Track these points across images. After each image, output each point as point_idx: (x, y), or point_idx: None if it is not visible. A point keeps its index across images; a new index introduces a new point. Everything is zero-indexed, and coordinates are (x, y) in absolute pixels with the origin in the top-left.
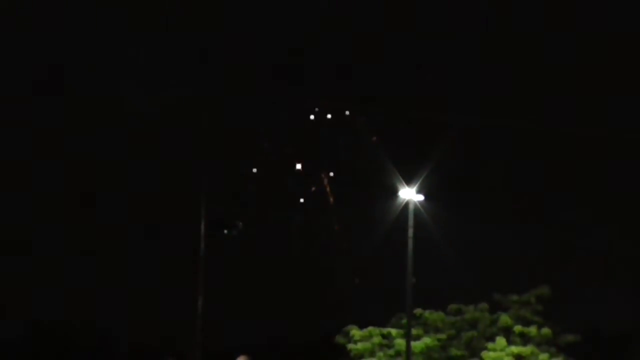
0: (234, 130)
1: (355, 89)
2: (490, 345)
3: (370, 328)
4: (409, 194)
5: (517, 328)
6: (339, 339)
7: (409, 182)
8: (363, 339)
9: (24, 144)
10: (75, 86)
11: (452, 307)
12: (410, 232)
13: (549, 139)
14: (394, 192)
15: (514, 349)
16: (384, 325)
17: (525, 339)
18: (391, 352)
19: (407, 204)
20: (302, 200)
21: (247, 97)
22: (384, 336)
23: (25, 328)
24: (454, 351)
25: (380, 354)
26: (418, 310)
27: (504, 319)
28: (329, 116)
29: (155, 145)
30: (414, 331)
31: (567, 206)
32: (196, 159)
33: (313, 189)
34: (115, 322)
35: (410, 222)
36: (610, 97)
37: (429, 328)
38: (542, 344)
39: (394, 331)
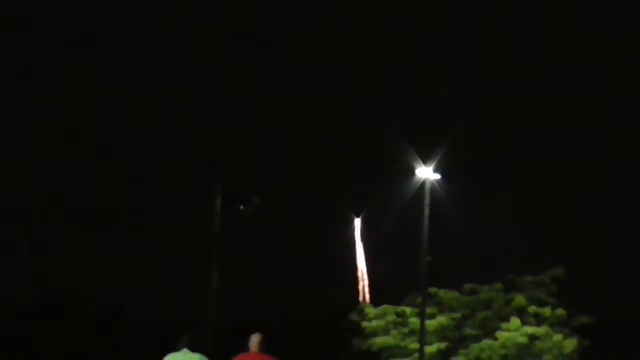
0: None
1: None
2: (504, 325)
3: (384, 306)
4: (426, 173)
5: (532, 309)
6: (354, 316)
7: (425, 160)
8: (377, 316)
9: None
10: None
11: (467, 286)
12: (426, 210)
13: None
14: (411, 171)
15: (528, 329)
16: (398, 304)
17: (539, 320)
18: (405, 330)
19: (423, 182)
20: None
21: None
22: (398, 314)
23: (39, 299)
24: (468, 330)
25: (395, 332)
26: (433, 289)
27: (519, 299)
28: None
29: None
30: (428, 310)
31: (586, 186)
32: (214, 136)
33: None
34: (130, 298)
35: (427, 200)
36: None
37: (443, 307)
38: (556, 324)
39: (408, 309)
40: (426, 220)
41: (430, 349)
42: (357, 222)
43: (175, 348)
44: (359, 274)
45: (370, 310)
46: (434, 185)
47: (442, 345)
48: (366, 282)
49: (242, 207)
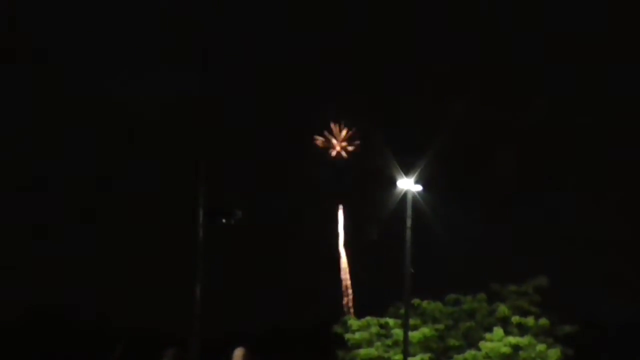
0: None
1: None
2: (488, 335)
3: (368, 318)
4: (408, 184)
5: (515, 318)
6: (337, 328)
7: (407, 172)
8: (361, 328)
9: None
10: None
11: (450, 297)
12: (409, 222)
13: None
14: (392, 182)
15: (512, 339)
16: (381, 315)
17: (522, 330)
18: (389, 341)
19: (405, 194)
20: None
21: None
22: (381, 326)
23: (25, 312)
24: (451, 341)
25: (378, 343)
26: (416, 301)
27: (502, 309)
28: None
29: (154, 134)
30: (411, 321)
31: (566, 197)
32: (195, 145)
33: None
34: (115, 309)
35: (409, 212)
36: None
37: (426, 318)
38: (539, 334)
39: (391, 321)
40: (408, 231)
41: None
42: (341, 234)
43: None
44: (343, 285)
45: (354, 322)
46: (415, 197)
47: (426, 356)
48: (350, 294)
49: (224, 220)
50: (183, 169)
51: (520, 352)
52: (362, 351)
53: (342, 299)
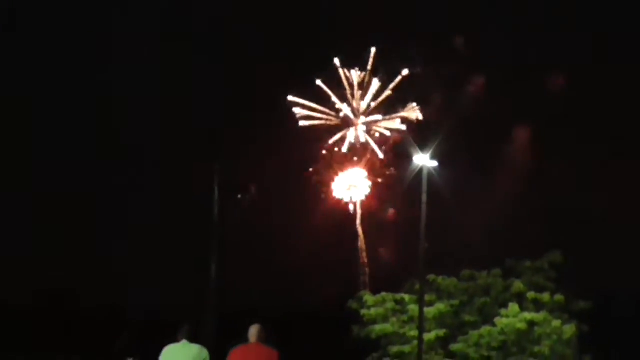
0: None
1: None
2: (503, 311)
3: (383, 293)
4: (423, 160)
5: (530, 294)
6: (353, 304)
7: (423, 148)
8: (376, 304)
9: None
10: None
11: (465, 273)
12: (424, 197)
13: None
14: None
15: (527, 315)
16: (397, 291)
17: (538, 306)
18: (404, 317)
19: (421, 169)
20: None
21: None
22: (397, 302)
23: (38, 296)
24: (466, 317)
25: (394, 319)
26: (431, 276)
27: (517, 285)
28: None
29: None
30: (427, 297)
31: (583, 170)
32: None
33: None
34: (130, 288)
35: (424, 187)
36: None
37: (442, 294)
38: (555, 310)
39: (407, 297)
40: (424, 207)
41: (429, 336)
42: (358, 209)
43: (174, 339)
44: (360, 260)
45: (369, 298)
46: (431, 172)
47: (441, 332)
48: (367, 271)
49: (239, 196)
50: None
51: (536, 328)
52: (378, 327)
53: (358, 276)
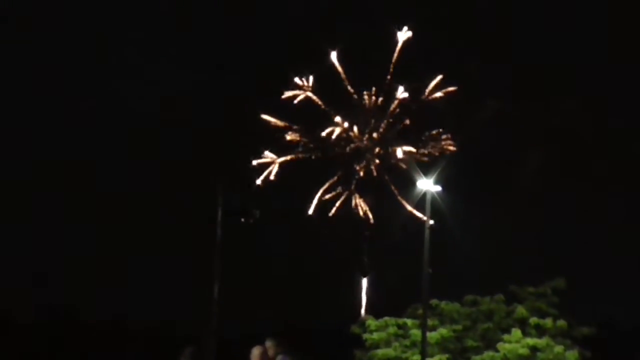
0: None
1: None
2: (505, 336)
3: (386, 318)
4: (427, 185)
5: (533, 320)
6: (355, 328)
7: (426, 173)
8: (379, 328)
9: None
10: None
11: (468, 298)
12: (428, 222)
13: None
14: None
15: (530, 340)
16: (399, 316)
17: (540, 331)
18: (407, 342)
19: (424, 194)
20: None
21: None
22: (399, 326)
23: (40, 312)
24: (469, 342)
25: (396, 344)
26: (434, 301)
27: (520, 310)
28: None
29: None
30: (429, 322)
31: (585, 197)
32: (213, 147)
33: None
34: (131, 309)
35: (428, 212)
36: None
37: (444, 319)
38: (557, 336)
39: (409, 321)
40: (427, 232)
41: None
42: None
43: None
44: (363, 285)
45: (372, 322)
46: (434, 197)
47: (444, 357)
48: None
49: (242, 219)
50: (200, 169)
51: (538, 354)
52: (380, 351)
53: (361, 300)
